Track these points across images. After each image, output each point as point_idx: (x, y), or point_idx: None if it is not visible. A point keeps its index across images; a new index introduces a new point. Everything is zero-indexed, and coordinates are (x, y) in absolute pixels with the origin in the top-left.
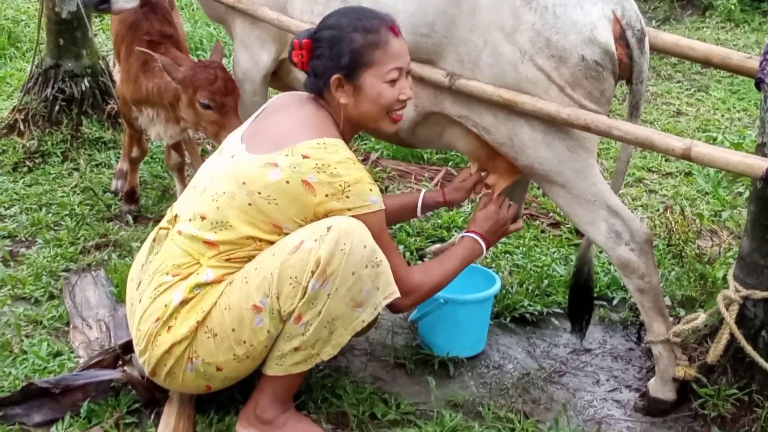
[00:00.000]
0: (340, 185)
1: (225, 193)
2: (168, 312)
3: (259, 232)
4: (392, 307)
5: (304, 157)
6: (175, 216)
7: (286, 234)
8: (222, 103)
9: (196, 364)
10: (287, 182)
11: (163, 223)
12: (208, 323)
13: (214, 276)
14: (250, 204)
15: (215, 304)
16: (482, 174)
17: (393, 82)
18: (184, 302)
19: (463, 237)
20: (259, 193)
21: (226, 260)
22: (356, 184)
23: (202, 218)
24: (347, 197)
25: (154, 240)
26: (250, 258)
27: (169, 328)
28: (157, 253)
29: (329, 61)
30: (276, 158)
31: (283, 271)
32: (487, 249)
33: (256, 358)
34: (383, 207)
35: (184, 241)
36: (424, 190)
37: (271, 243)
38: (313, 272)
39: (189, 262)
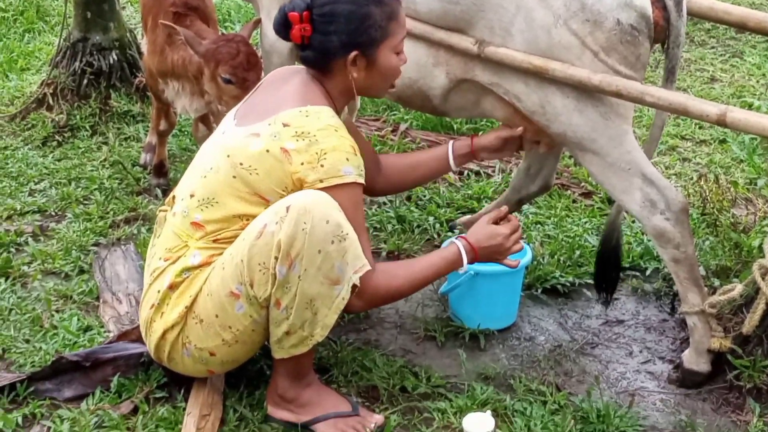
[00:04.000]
0: (317, 152)
1: (212, 168)
2: (160, 297)
3: (246, 205)
4: (345, 307)
5: (285, 125)
6: (173, 197)
7: None
8: (243, 78)
9: (190, 349)
10: (267, 151)
11: (164, 205)
12: (195, 309)
13: (201, 258)
14: (234, 177)
15: (200, 289)
16: (514, 132)
17: (400, 52)
18: (173, 286)
19: (452, 243)
20: (241, 164)
21: (214, 241)
22: (333, 151)
23: (191, 196)
24: (321, 166)
25: (156, 223)
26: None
27: (162, 314)
28: (159, 237)
29: (345, 38)
30: (259, 128)
31: (251, 258)
32: (469, 263)
33: (247, 342)
34: (360, 181)
35: (175, 223)
36: (451, 141)
37: None
38: (276, 258)
39: (179, 245)
